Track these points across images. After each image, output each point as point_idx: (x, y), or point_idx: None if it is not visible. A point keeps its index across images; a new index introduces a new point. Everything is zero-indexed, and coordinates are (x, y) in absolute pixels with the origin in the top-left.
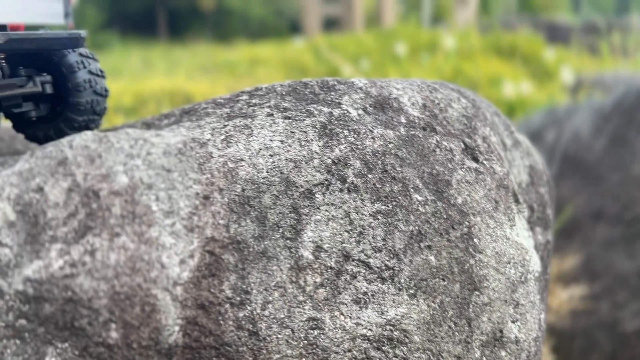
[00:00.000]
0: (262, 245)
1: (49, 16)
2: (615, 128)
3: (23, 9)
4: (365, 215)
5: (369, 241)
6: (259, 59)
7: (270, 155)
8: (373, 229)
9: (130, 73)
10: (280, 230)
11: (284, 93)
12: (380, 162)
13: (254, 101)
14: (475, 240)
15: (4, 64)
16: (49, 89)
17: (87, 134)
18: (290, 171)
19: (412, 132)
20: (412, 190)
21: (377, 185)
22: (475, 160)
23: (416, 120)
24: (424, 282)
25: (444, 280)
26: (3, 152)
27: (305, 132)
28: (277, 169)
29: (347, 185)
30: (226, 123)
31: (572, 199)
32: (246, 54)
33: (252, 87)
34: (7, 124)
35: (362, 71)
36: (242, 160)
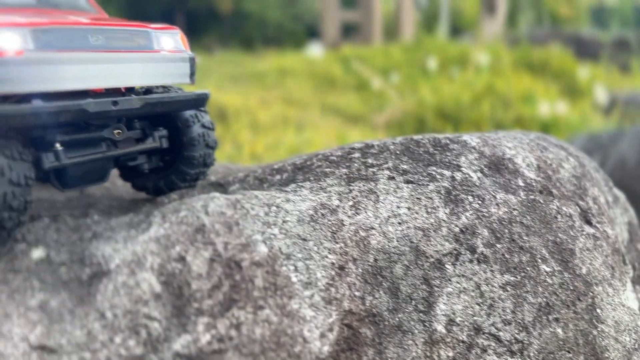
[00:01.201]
0: (397, 319)
1: (177, 77)
2: None
3: (156, 72)
4: (495, 287)
5: (498, 314)
6: (287, 70)
7: (399, 223)
8: (503, 301)
9: None
10: (413, 302)
11: (398, 152)
12: (507, 230)
13: (370, 161)
14: (598, 310)
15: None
16: (165, 144)
17: (220, 199)
18: (420, 240)
19: (532, 197)
20: (539, 260)
21: (506, 255)
22: (589, 223)
23: (533, 184)
24: (551, 355)
25: (569, 352)
26: (95, 194)
27: (430, 198)
28: (406, 238)
29: (476, 255)
30: (350, 187)
31: None
32: (274, 64)
33: (362, 143)
34: None
35: (393, 85)
36: (372, 228)
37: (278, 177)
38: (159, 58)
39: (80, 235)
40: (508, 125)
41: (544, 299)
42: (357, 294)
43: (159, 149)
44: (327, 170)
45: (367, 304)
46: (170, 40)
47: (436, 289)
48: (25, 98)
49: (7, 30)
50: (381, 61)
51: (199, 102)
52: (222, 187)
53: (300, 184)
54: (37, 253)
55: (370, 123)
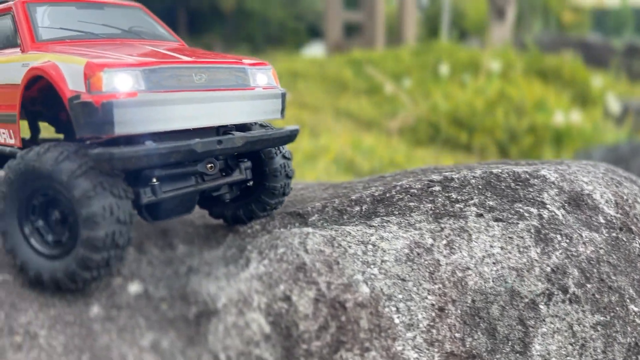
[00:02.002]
0: None
1: (270, 113)
2: None
3: (252, 109)
4: (587, 327)
5: (590, 354)
6: (299, 73)
7: (494, 263)
8: (594, 341)
9: None
10: (510, 343)
11: (480, 187)
12: (595, 270)
13: (453, 196)
14: None
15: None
16: (249, 175)
17: (317, 236)
18: (514, 280)
19: (614, 235)
20: (627, 300)
21: (596, 295)
22: None
23: (614, 220)
24: None
25: None
26: None
27: (522, 237)
28: (501, 279)
29: (568, 295)
30: (441, 225)
31: None
32: (285, 66)
33: (440, 175)
34: None
35: (405, 89)
36: (468, 268)
37: (357, 208)
38: (255, 95)
39: (174, 269)
40: (522, 133)
41: (633, 339)
42: (457, 335)
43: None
44: (411, 204)
45: (467, 346)
46: (264, 77)
47: (531, 329)
48: (135, 138)
49: (121, 71)
50: (391, 65)
51: (292, 137)
52: (301, 217)
53: (385, 218)
54: (134, 288)
55: (383, 128)
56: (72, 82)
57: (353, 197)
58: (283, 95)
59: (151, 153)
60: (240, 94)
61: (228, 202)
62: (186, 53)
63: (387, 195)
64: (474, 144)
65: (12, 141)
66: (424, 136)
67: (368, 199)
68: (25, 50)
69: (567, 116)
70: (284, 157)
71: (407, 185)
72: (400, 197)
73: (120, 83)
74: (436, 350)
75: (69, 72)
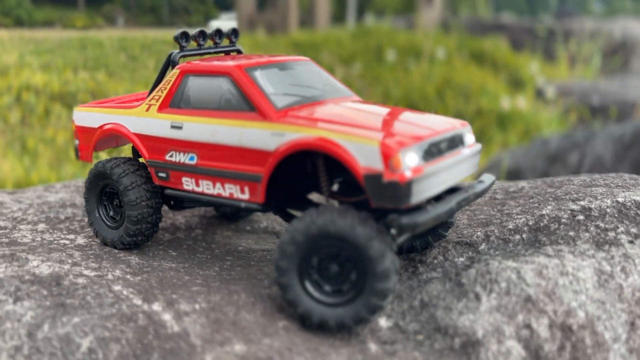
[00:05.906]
0: None
1: (474, 167)
2: (637, 156)
3: (468, 167)
4: None
5: None
6: None
7: None
8: None
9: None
10: None
11: (616, 215)
12: None
13: (601, 225)
14: None
15: None
16: None
17: (527, 270)
18: None
19: None
20: None
21: None
22: None
23: None
24: None
25: None
26: None
27: None
28: None
29: None
30: (609, 253)
31: None
32: None
33: (576, 205)
34: None
35: (355, 74)
36: None
37: (517, 237)
38: (469, 154)
39: (409, 303)
40: (469, 117)
41: None
42: None
43: None
44: (570, 233)
45: None
46: (470, 136)
47: None
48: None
49: (410, 150)
50: (334, 48)
51: (490, 187)
52: (471, 246)
53: (555, 247)
54: (384, 322)
55: None
56: (363, 159)
57: (510, 227)
58: (480, 150)
59: (438, 217)
60: (464, 156)
61: None
62: (399, 115)
63: (541, 224)
64: None
65: (244, 196)
66: None
67: (525, 228)
68: (269, 119)
69: (512, 101)
70: None
71: (554, 215)
72: (555, 226)
73: (410, 160)
74: (635, 357)
75: (358, 149)
